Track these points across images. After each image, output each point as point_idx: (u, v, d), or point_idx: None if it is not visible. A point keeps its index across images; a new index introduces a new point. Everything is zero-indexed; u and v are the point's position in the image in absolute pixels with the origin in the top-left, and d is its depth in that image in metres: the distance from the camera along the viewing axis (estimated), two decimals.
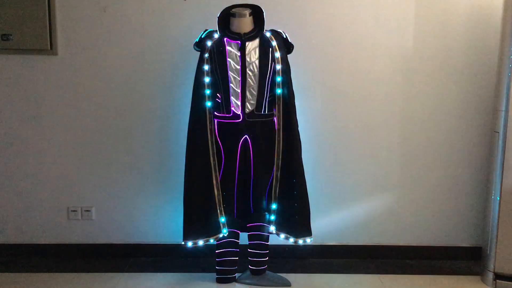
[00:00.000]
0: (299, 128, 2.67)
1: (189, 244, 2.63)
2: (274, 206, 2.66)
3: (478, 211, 3.11)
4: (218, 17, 2.57)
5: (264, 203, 2.70)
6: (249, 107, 2.58)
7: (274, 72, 2.58)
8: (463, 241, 3.18)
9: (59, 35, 2.96)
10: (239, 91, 2.56)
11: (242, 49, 2.55)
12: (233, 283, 2.77)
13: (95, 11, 2.95)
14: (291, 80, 2.64)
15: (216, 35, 2.59)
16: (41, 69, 2.99)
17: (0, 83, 3.00)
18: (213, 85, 2.59)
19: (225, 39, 2.57)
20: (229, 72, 2.55)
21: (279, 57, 2.57)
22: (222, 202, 2.64)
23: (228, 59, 2.55)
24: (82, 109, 3.03)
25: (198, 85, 2.60)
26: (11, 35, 2.91)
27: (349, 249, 3.16)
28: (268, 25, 2.62)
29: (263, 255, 2.78)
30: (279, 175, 2.64)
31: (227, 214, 2.66)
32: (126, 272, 2.95)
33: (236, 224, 2.71)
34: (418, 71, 3.02)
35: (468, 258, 3.15)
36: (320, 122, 3.05)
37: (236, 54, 2.55)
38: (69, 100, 3.03)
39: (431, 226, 3.16)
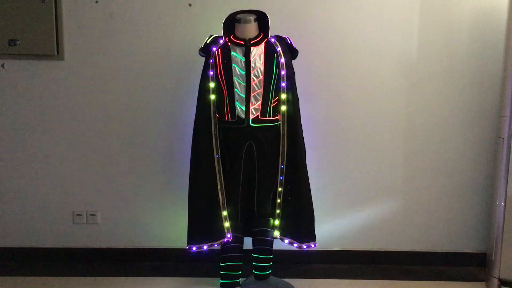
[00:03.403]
0: (304, 133, 2.68)
1: (194, 248, 2.64)
2: (278, 211, 2.67)
3: (482, 217, 3.11)
4: (223, 23, 2.59)
5: (269, 208, 2.70)
6: (253, 112, 2.59)
7: (279, 77, 2.59)
8: (468, 247, 3.17)
9: (65, 40, 2.98)
10: (244, 96, 2.57)
11: (247, 54, 2.56)
12: None
13: (102, 16, 2.97)
14: (295, 85, 2.65)
15: (221, 41, 2.60)
16: (48, 74, 3.01)
17: (7, 88, 3.02)
18: (218, 90, 2.60)
19: (230, 44, 2.59)
20: (234, 77, 2.56)
21: (284, 62, 2.58)
22: (226, 207, 2.64)
23: (233, 65, 2.56)
24: (88, 113, 3.05)
25: (203, 90, 2.61)
26: (18, 40, 2.94)
27: (353, 254, 3.15)
28: (272, 31, 2.63)
29: (267, 260, 2.78)
30: (283, 180, 2.64)
31: (231, 219, 2.66)
32: (130, 276, 2.95)
33: (240, 229, 2.71)
34: (423, 76, 3.02)
35: (473, 264, 3.13)
36: (325, 127, 3.06)
37: (241, 59, 2.56)
38: (75, 105, 3.05)
39: (436, 232, 3.15)
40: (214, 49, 2.58)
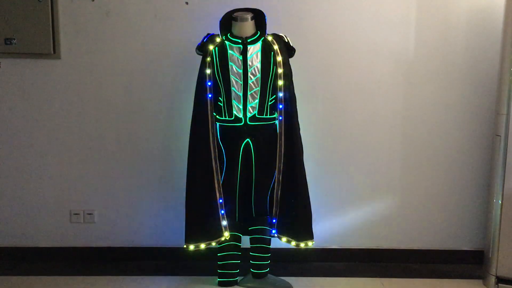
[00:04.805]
0: (301, 132, 2.68)
1: (191, 247, 2.64)
2: (275, 210, 2.67)
3: (480, 214, 3.11)
4: (220, 21, 2.58)
5: (266, 206, 2.70)
6: (251, 110, 2.58)
7: (276, 75, 2.59)
8: (465, 245, 3.18)
9: (62, 39, 2.97)
10: (241, 94, 2.57)
11: (244, 53, 2.56)
12: (235, 286, 2.77)
13: (98, 15, 2.96)
14: (292, 84, 2.65)
15: (218, 39, 2.60)
16: (44, 73, 3.00)
17: (3, 87, 3.01)
18: (215, 88, 2.59)
19: (227, 43, 2.58)
20: (231, 75, 2.56)
21: (281, 60, 2.58)
22: (224, 205, 2.64)
23: (230, 63, 2.56)
24: (85, 112, 3.05)
25: (200, 88, 2.61)
26: (14, 39, 2.93)
27: (351, 252, 3.16)
28: (269, 29, 2.63)
29: (265, 259, 2.78)
30: (280, 178, 2.64)
31: (229, 217, 2.66)
32: (128, 275, 2.95)
33: (238, 228, 2.72)
34: (420, 74, 3.03)
35: (470, 262, 3.14)
36: (322, 126, 3.06)
37: (238, 58, 2.56)
38: (72, 104, 3.04)
39: (433, 230, 3.16)
40: (211, 47, 2.58)
